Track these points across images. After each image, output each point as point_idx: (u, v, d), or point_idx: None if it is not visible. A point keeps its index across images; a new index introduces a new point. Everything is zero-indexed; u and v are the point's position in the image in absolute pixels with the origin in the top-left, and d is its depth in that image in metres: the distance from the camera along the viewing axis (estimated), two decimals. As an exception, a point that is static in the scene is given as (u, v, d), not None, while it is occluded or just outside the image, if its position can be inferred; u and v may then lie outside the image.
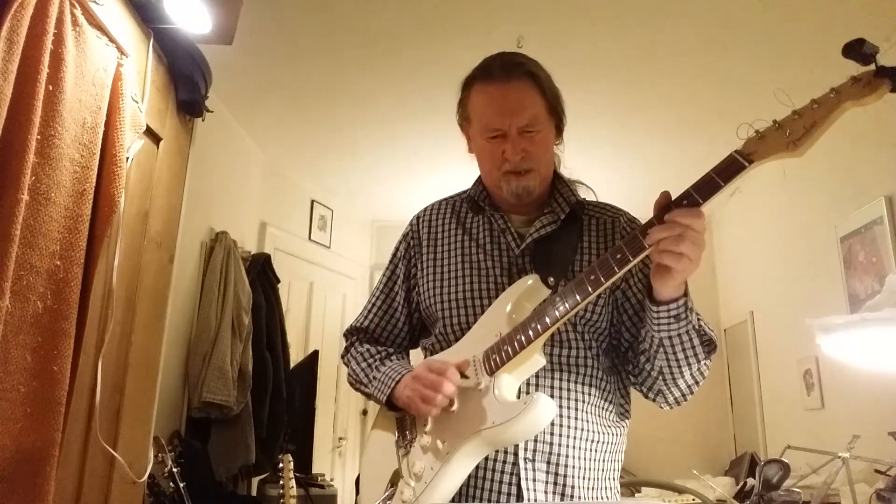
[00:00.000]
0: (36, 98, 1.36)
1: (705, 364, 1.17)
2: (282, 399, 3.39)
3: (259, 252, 3.73)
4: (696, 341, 1.13)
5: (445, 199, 1.46)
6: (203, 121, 2.33)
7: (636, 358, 1.23)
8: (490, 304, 1.23)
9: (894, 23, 2.51)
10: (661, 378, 1.18)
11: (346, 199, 4.68)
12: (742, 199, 4.26)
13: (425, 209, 1.46)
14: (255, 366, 3.19)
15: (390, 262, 1.45)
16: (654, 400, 1.26)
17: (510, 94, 1.25)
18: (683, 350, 1.13)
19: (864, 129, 2.81)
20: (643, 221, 1.08)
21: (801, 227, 3.44)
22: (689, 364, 1.14)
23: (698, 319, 1.13)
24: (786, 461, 2.08)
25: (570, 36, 2.73)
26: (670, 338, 1.11)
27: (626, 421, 1.31)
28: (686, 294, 1.09)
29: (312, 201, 4.52)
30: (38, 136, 1.38)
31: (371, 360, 1.35)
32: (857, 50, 0.91)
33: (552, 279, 1.21)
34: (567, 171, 1.41)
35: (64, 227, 1.48)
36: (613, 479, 1.27)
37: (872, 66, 0.91)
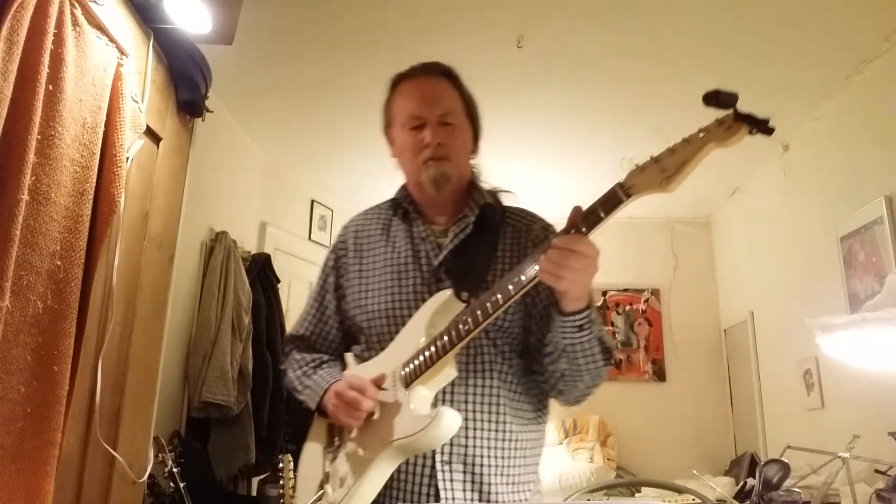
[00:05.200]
0: (36, 98, 1.36)
1: (604, 370, 1.25)
2: (282, 399, 3.38)
3: (259, 252, 3.73)
4: (597, 349, 1.21)
5: (373, 207, 1.51)
6: (203, 121, 2.33)
7: (541, 358, 1.30)
8: (411, 316, 1.30)
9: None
10: (562, 379, 1.26)
11: (346, 199, 4.67)
12: (742, 199, 4.26)
13: (353, 218, 1.51)
14: (255, 366, 3.19)
15: (321, 272, 1.50)
16: (555, 398, 1.34)
17: (429, 86, 1.38)
18: (584, 356, 1.20)
19: (864, 128, 2.81)
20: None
21: (801, 227, 3.44)
22: (588, 369, 1.22)
23: (600, 330, 1.22)
24: (786, 461, 2.09)
25: (571, 36, 2.73)
26: (573, 345, 1.19)
27: (544, 419, 1.38)
28: (590, 307, 1.17)
29: (312, 201, 4.51)
30: (38, 136, 1.38)
31: (305, 368, 1.42)
32: (714, 98, 0.97)
33: (465, 294, 1.27)
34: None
35: (64, 227, 1.48)
36: (534, 473, 1.33)
37: (731, 111, 0.97)
